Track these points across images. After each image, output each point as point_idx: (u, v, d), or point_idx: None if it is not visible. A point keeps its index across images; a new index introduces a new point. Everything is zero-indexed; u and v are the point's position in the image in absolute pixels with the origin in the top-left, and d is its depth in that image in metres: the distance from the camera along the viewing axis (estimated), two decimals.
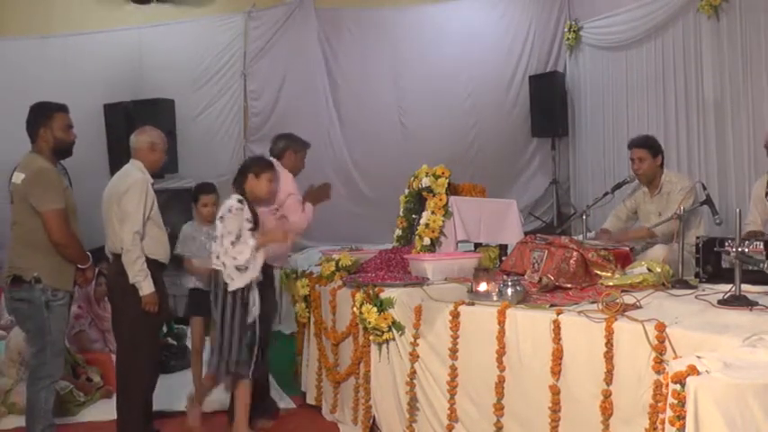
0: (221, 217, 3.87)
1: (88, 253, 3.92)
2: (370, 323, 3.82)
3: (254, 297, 3.91)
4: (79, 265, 3.86)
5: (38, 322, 3.76)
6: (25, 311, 3.79)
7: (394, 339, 3.86)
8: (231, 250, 3.79)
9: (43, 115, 3.82)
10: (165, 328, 5.91)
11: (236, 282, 3.80)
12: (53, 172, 3.80)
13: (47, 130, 3.79)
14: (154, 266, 3.97)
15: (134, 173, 4.00)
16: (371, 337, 3.91)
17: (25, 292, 3.74)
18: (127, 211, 3.88)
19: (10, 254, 3.85)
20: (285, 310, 7.00)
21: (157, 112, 7.12)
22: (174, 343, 5.85)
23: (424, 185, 4.54)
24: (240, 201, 3.88)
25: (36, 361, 3.82)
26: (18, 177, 3.76)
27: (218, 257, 3.84)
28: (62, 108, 3.88)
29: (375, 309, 3.80)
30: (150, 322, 3.98)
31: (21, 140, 3.90)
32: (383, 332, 3.85)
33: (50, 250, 3.74)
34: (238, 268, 3.79)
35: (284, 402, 4.90)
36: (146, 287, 3.87)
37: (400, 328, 3.82)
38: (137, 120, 6.37)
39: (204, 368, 4.36)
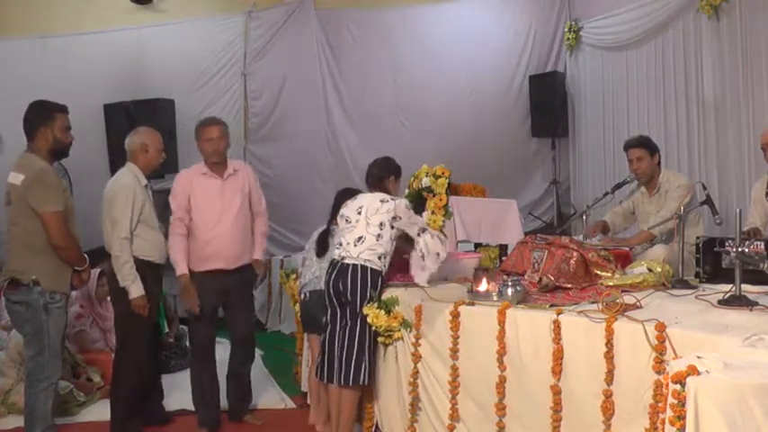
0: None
1: (85, 255, 3.92)
2: (380, 326, 3.76)
3: None
4: (76, 267, 3.84)
5: (36, 325, 3.74)
6: (23, 314, 3.76)
7: (402, 339, 3.84)
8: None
9: (45, 114, 3.79)
10: (167, 328, 5.91)
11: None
12: (53, 173, 3.78)
13: (47, 129, 3.77)
14: (148, 267, 3.98)
15: (122, 178, 4.02)
16: (380, 339, 3.85)
17: (23, 294, 3.72)
18: (114, 217, 3.94)
19: (8, 256, 3.82)
20: (285, 310, 7.01)
21: (157, 112, 7.12)
22: (172, 341, 5.84)
23: (424, 185, 4.52)
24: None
25: (34, 363, 3.79)
26: (17, 178, 3.70)
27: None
28: (63, 109, 3.87)
29: (382, 311, 3.76)
30: (139, 323, 3.99)
31: (21, 140, 3.89)
32: (394, 332, 3.82)
33: (49, 253, 3.71)
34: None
35: (284, 402, 4.90)
36: (134, 291, 3.91)
37: (409, 326, 3.79)
38: (137, 120, 6.37)
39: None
